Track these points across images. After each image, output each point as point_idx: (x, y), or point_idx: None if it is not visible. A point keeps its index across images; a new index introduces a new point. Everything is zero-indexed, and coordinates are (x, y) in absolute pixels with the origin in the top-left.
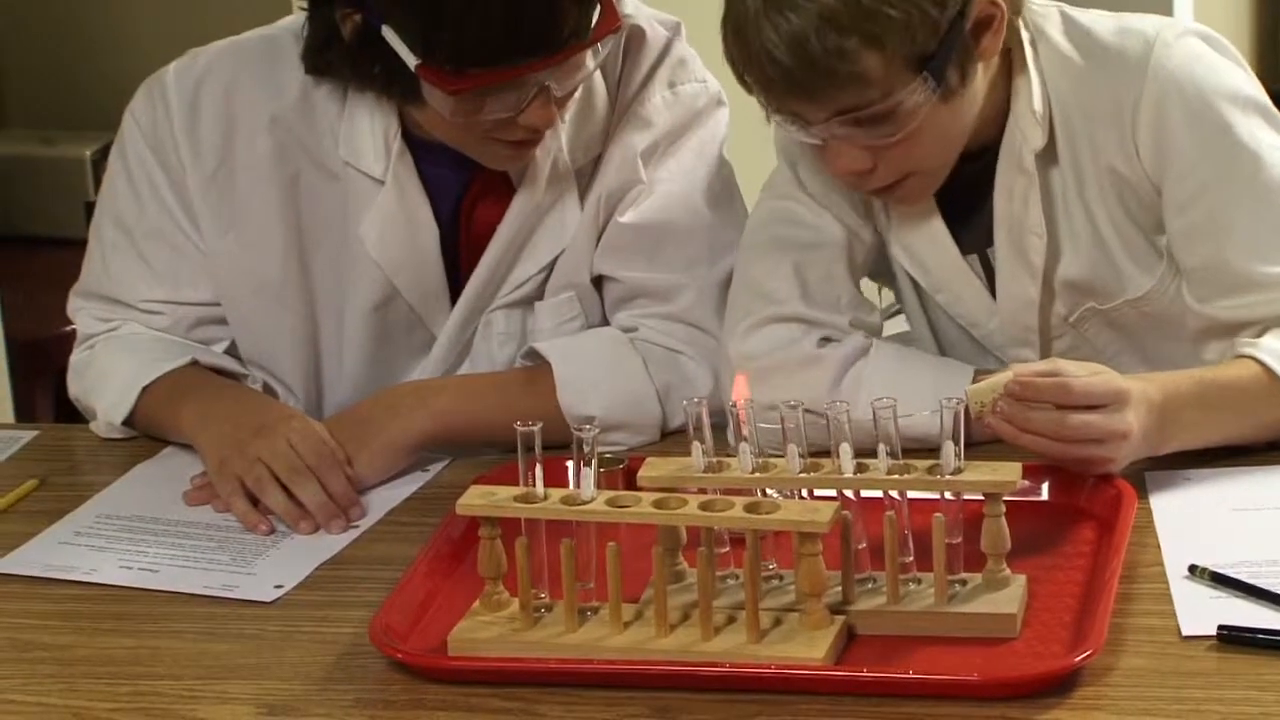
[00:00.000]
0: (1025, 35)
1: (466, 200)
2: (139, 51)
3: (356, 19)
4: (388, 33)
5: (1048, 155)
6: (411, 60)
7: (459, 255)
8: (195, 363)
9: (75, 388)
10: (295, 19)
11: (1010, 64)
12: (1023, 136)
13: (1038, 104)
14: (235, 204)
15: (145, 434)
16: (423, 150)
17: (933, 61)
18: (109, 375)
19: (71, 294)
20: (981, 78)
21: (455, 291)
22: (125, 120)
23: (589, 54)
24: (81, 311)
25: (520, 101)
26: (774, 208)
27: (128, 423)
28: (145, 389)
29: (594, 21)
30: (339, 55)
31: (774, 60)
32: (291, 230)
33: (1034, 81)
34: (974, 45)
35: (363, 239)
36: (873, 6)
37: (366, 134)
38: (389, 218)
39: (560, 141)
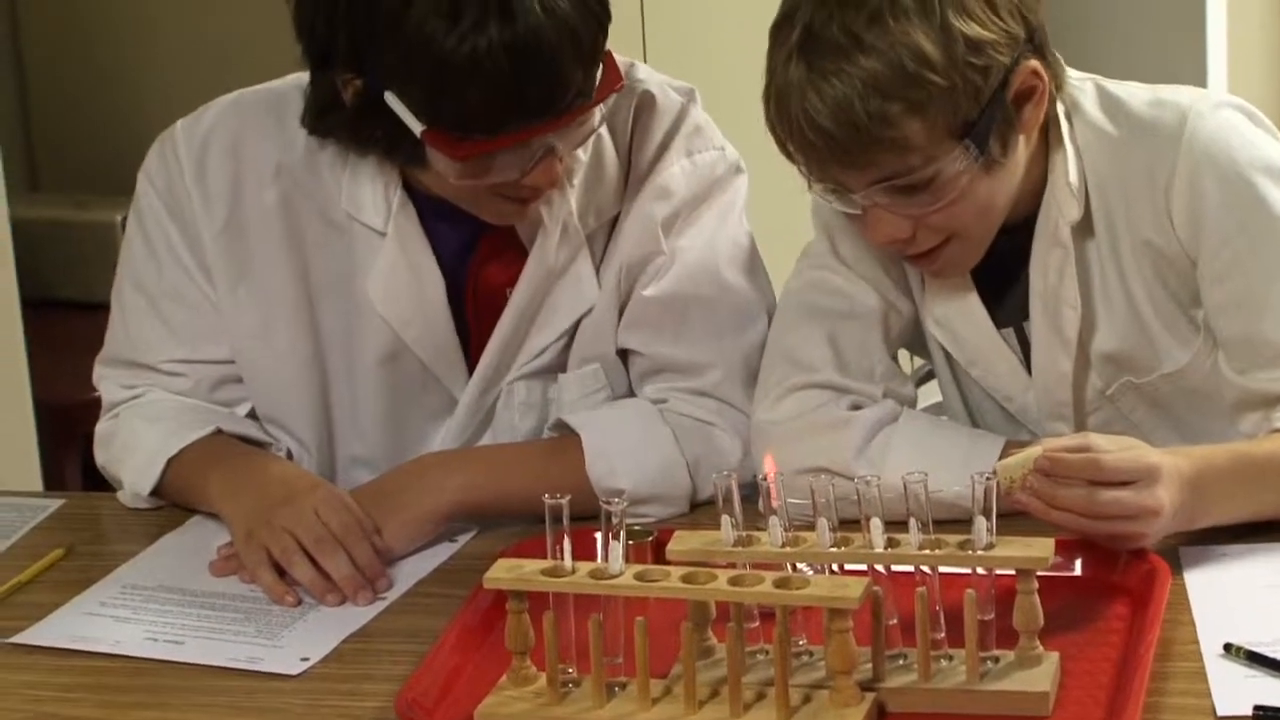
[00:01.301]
0: (1061, 108)
1: (474, 261)
2: (170, 117)
3: (358, 84)
4: (390, 99)
5: (1084, 228)
6: (416, 126)
7: (468, 315)
8: (219, 431)
9: (102, 457)
10: (302, 75)
11: (1048, 138)
12: (1059, 210)
13: (1073, 177)
14: (245, 256)
15: (173, 504)
16: (426, 204)
17: (975, 130)
18: (134, 446)
19: (96, 363)
20: (1023, 150)
21: (469, 353)
22: (139, 180)
23: (594, 113)
24: (105, 380)
25: (526, 163)
26: (810, 277)
27: (155, 493)
28: (171, 460)
29: (598, 81)
30: (341, 119)
31: (817, 126)
32: (300, 281)
33: (1070, 155)
34: (1016, 116)
35: (368, 292)
36: (916, 73)
37: (368, 187)
38: (393, 271)
39: (570, 205)
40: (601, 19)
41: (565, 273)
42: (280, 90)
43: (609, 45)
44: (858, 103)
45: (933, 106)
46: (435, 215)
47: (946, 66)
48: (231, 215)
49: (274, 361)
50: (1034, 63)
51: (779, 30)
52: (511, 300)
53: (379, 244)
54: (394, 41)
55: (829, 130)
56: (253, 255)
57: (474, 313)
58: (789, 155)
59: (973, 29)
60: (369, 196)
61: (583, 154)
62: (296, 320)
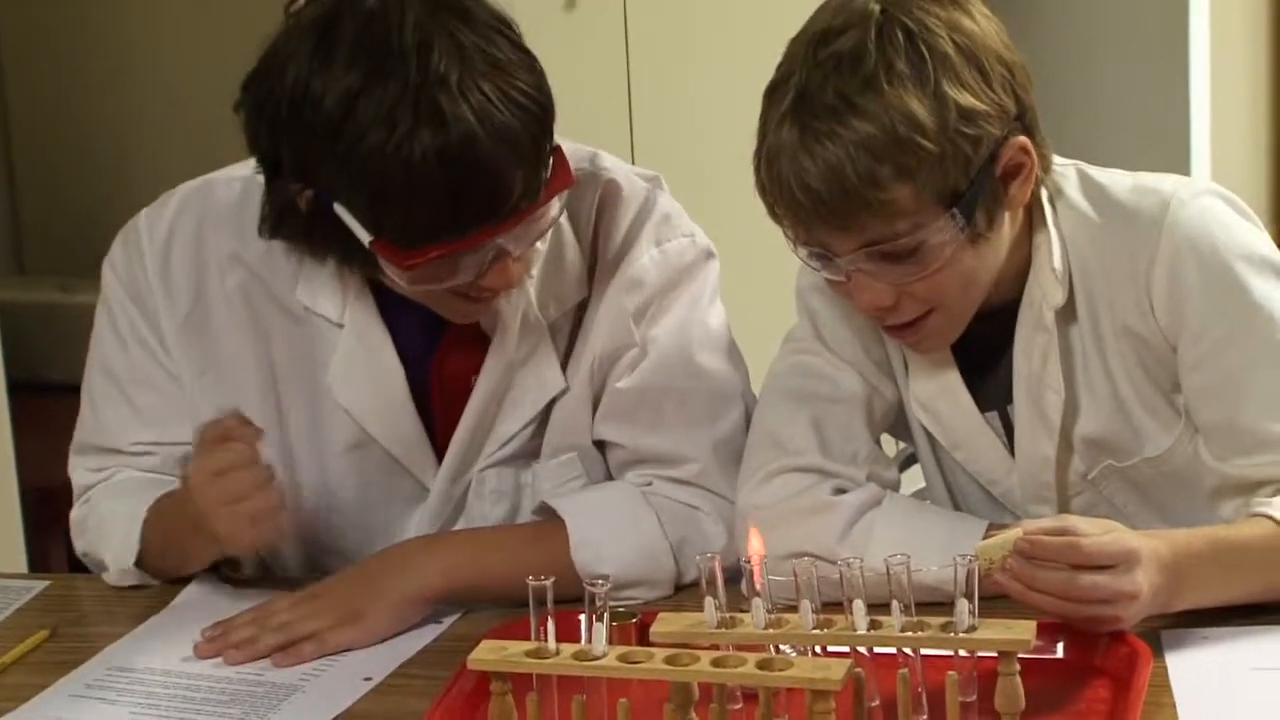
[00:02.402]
0: (1045, 193)
1: (438, 352)
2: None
3: (308, 194)
4: (339, 209)
5: (1067, 312)
6: (365, 236)
7: (433, 406)
8: None
9: (80, 544)
10: None
11: (1031, 221)
12: (1043, 294)
13: (1058, 262)
14: (210, 345)
15: (157, 573)
16: (386, 297)
17: (962, 200)
18: (108, 522)
19: (70, 452)
20: (1008, 228)
21: (436, 441)
22: (104, 269)
23: (546, 210)
24: (77, 468)
25: (479, 265)
26: (794, 362)
27: (139, 564)
28: (145, 522)
29: (545, 180)
30: (296, 227)
31: (807, 187)
32: (265, 370)
33: (1054, 239)
34: (1004, 191)
35: (330, 385)
36: (908, 137)
37: (323, 279)
38: (351, 362)
39: (529, 295)
40: (542, 119)
41: (527, 362)
42: (240, 177)
43: (561, 139)
44: (848, 165)
45: (922, 172)
46: (396, 306)
47: (938, 133)
48: (195, 306)
49: None
50: (1023, 139)
51: (774, 93)
52: (475, 390)
53: (337, 335)
54: (334, 153)
55: (818, 191)
56: (217, 345)
57: (440, 402)
58: (776, 218)
59: (965, 98)
60: (324, 288)
61: (541, 245)
62: (263, 408)
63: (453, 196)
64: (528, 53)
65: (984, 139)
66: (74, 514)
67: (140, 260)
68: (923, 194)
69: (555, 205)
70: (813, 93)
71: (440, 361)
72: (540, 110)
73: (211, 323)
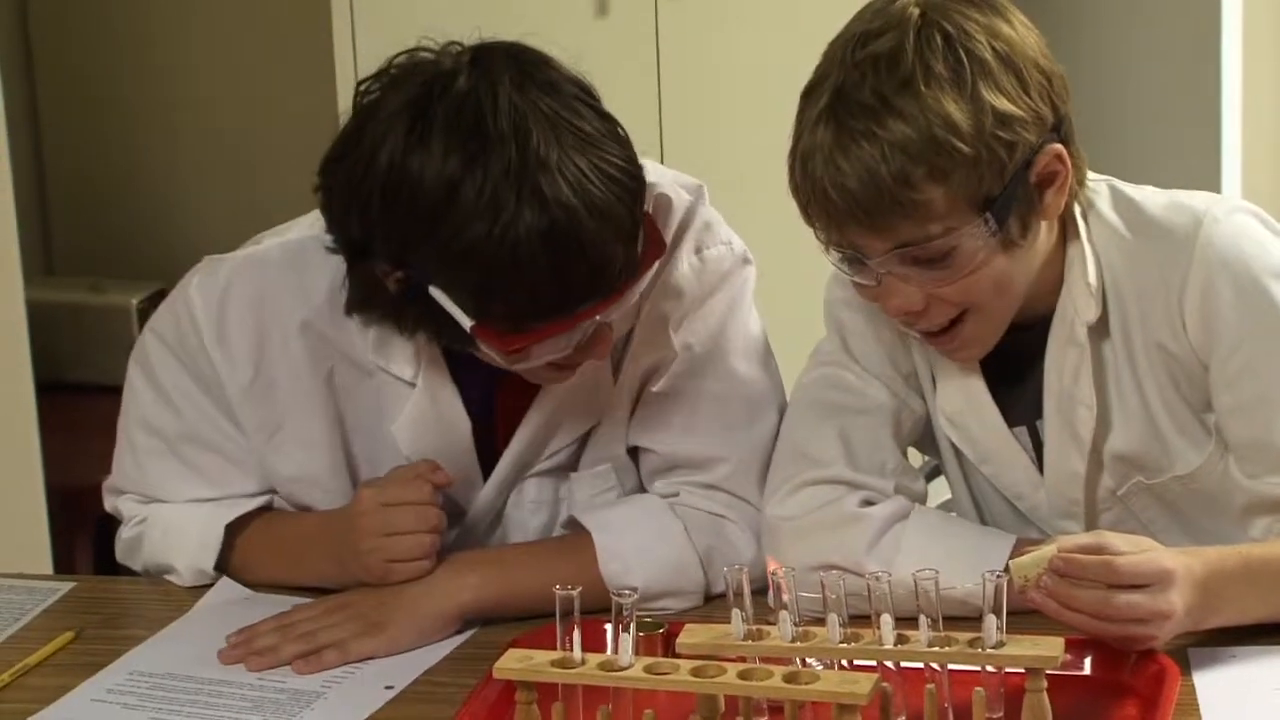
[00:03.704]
0: (1078, 208)
1: (500, 389)
2: (186, 202)
3: (399, 275)
4: (436, 293)
5: (1099, 328)
6: (466, 321)
7: (492, 433)
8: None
9: (136, 560)
10: (310, 218)
11: (1065, 236)
12: (1075, 308)
13: (1092, 277)
14: (277, 407)
15: (237, 572)
16: (457, 356)
17: (996, 205)
18: (177, 528)
19: (105, 489)
20: (1044, 238)
21: (485, 461)
22: (146, 337)
23: (642, 279)
24: (123, 498)
25: (577, 339)
26: (822, 374)
27: (218, 567)
28: (237, 530)
29: (640, 252)
30: (384, 306)
31: (841, 187)
32: (334, 424)
33: (1088, 254)
34: (1038, 199)
35: (395, 436)
36: (944, 139)
37: (396, 339)
38: (421, 419)
39: None
40: (636, 192)
41: (587, 386)
42: (295, 243)
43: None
44: (883, 165)
45: (956, 175)
46: (466, 364)
47: (973, 136)
48: (259, 372)
49: (307, 495)
50: (1059, 147)
51: (810, 94)
52: (530, 415)
53: (407, 392)
54: (435, 238)
55: (853, 191)
56: (286, 405)
57: (500, 430)
58: (809, 219)
59: (1002, 103)
60: (397, 350)
61: None
62: (334, 459)
63: (557, 278)
64: (611, 119)
65: (1019, 145)
66: (125, 534)
67: (192, 328)
68: (956, 197)
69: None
70: (849, 92)
71: (503, 395)
72: (634, 183)
73: (277, 388)
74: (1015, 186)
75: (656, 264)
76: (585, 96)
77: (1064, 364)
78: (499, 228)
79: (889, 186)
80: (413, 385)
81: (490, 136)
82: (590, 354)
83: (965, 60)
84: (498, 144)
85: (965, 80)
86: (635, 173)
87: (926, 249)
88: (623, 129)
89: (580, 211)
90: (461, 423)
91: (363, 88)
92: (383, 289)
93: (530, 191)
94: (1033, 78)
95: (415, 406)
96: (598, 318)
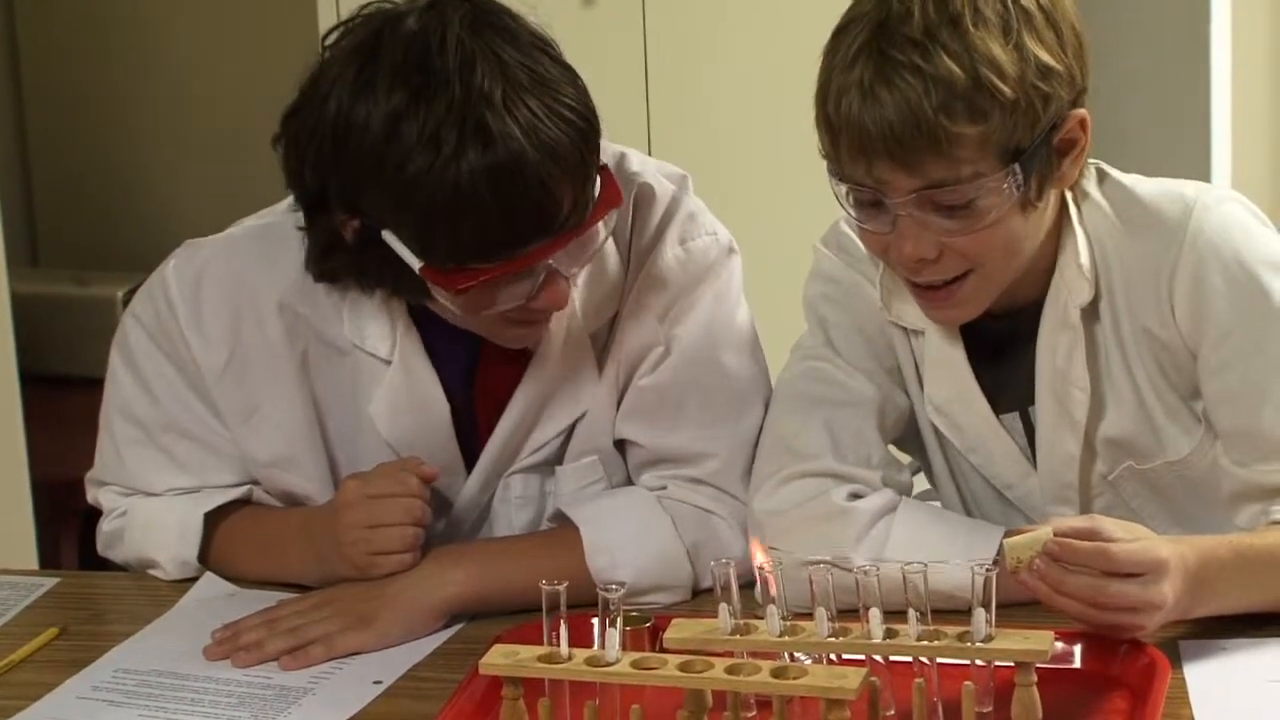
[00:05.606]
0: (1069, 192)
1: (480, 370)
2: (171, 194)
3: (355, 224)
4: (388, 236)
5: (1090, 311)
6: (414, 263)
7: (473, 421)
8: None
9: (118, 552)
10: (287, 203)
11: (1059, 219)
12: (1069, 290)
13: (1084, 258)
14: (253, 389)
15: (216, 570)
16: (431, 325)
17: (1023, 157)
18: (158, 520)
19: (87, 481)
20: (1049, 213)
21: (468, 453)
22: (126, 321)
23: (596, 229)
24: (104, 490)
25: (531, 288)
26: (804, 368)
27: (201, 559)
28: (215, 521)
29: (594, 197)
30: (344, 261)
31: (880, 119)
32: (309, 406)
33: (1080, 237)
34: (1056, 164)
35: (373, 418)
36: (988, 79)
37: (370, 315)
38: (398, 397)
39: (574, 307)
40: (589, 134)
41: (568, 374)
42: (270, 224)
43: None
44: (925, 99)
45: (994, 117)
46: (442, 336)
47: (1016, 81)
48: (234, 354)
49: (284, 480)
50: (1083, 112)
51: (844, 31)
52: (512, 403)
53: (382, 370)
54: (380, 178)
55: (891, 123)
56: (261, 387)
57: (482, 418)
58: (834, 156)
59: (1044, 55)
60: (371, 324)
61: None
62: (311, 441)
63: (502, 214)
64: (570, 69)
65: (1054, 99)
66: (106, 527)
67: (169, 311)
68: (989, 141)
69: (605, 225)
70: (895, 26)
71: (483, 378)
72: (586, 125)
73: (252, 370)
74: (1041, 144)
75: (612, 214)
76: (542, 45)
77: (1057, 347)
78: (440, 162)
79: (928, 120)
80: (388, 363)
81: (436, 73)
82: (545, 303)
83: (1012, 8)
84: (442, 81)
85: (1012, 27)
86: (588, 115)
87: (951, 193)
88: (581, 81)
89: (526, 148)
90: (438, 403)
91: (328, 41)
92: (341, 242)
93: (475, 127)
94: (1069, 37)
95: (391, 384)
96: (550, 261)
